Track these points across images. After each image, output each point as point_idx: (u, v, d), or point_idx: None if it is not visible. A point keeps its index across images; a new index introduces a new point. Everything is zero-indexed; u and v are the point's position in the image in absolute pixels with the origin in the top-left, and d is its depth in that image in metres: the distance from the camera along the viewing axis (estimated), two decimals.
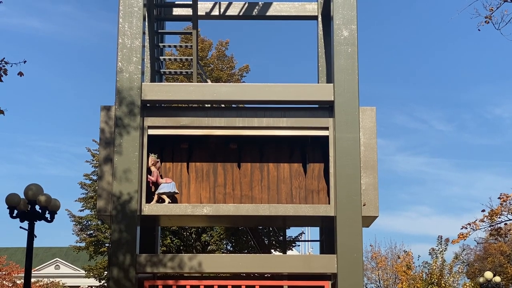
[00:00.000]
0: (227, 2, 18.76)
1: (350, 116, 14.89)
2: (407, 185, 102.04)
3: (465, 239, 24.42)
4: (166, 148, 15.81)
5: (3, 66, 12.84)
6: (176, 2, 18.46)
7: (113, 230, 14.47)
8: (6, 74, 12.87)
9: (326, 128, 15.18)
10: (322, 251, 17.59)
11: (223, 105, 16.49)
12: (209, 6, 18.83)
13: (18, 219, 14.94)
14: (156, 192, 15.20)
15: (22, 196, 14.92)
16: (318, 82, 17.97)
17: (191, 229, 31.40)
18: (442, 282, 35.33)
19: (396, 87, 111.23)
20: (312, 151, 15.91)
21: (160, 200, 15.20)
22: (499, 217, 24.34)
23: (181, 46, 20.42)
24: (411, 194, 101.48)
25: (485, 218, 24.21)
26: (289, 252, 34.18)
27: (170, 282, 14.94)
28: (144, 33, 15.51)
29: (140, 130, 14.86)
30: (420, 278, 36.80)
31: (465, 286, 38.40)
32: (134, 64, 14.98)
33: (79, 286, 68.11)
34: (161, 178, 15.36)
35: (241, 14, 18.77)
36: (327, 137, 15.18)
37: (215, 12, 18.80)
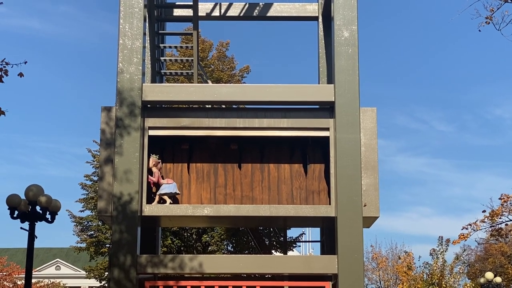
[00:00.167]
0: (228, 3, 18.77)
1: (351, 116, 14.89)
2: (408, 186, 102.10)
3: (465, 240, 24.47)
4: (166, 149, 15.81)
5: (4, 67, 12.85)
6: (177, 3, 18.47)
7: (113, 231, 14.47)
8: (6, 75, 12.89)
9: (327, 129, 15.18)
10: (322, 252, 17.59)
11: (223, 106, 16.49)
12: (209, 6, 18.83)
13: (18, 220, 14.95)
14: (158, 193, 15.19)
15: (22, 197, 14.93)
16: (319, 83, 17.97)
17: (192, 230, 31.41)
18: (443, 282, 35.33)
19: (397, 88, 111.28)
20: (313, 151, 15.90)
21: (162, 201, 15.19)
22: (500, 218, 24.36)
23: (181, 47, 20.39)
24: (412, 194, 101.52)
25: (486, 218, 24.23)
26: (289, 253, 34.16)
27: (171, 282, 14.94)
28: (144, 34, 15.51)
29: (141, 131, 14.86)
30: (420, 278, 36.79)
31: (466, 287, 38.37)
32: (135, 65, 14.98)
33: (80, 286, 68.18)
34: (163, 179, 15.35)
35: (241, 15, 18.77)
36: (327, 137, 15.18)
37: (216, 13, 18.80)
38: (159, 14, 17.95)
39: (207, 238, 31.16)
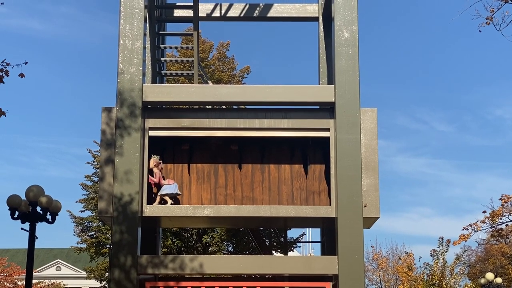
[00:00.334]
0: (228, 4, 18.78)
1: (351, 117, 14.89)
2: (408, 186, 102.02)
3: (466, 240, 24.46)
4: (167, 150, 15.82)
5: (4, 67, 12.84)
6: (177, 4, 18.48)
7: (114, 232, 14.47)
8: (7, 75, 12.88)
9: (327, 129, 15.18)
10: (323, 252, 17.59)
11: (224, 107, 16.49)
12: (210, 7, 18.84)
13: (19, 220, 14.96)
14: (159, 194, 15.20)
15: (23, 197, 14.94)
16: (319, 83, 17.97)
17: (192, 230, 31.41)
18: (444, 283, 35.31)
19: (397, 88, 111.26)
20: (313, 152, 15.91)
21: (163, 202, 15.20)
22: (501, 218, 24.36)
23: (182, 48, 20.41)
24: (412, 195, 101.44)
25: (486, 219, 24.23)
26: (290, 253, 34.16)
27: (171, 283, 14.94)
28: (145, 34, 15.51)
29: (141, 132, 14.87)
30: (421, 279, 36.79)
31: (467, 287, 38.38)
32: (135, 65, 14.99)
33: (80, 287, 68.12)
34: (164, 179, 15.36)
35: (242, 15, 18.78)
36: (328, 138, 15.18)
37: (216, 13, 18.81)
38: (159, 14, 17.96)
39: (208, 239, 31.16)
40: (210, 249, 31.30)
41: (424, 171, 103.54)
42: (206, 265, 14.71)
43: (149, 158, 15.14)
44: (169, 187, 15.17)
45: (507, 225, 24.97)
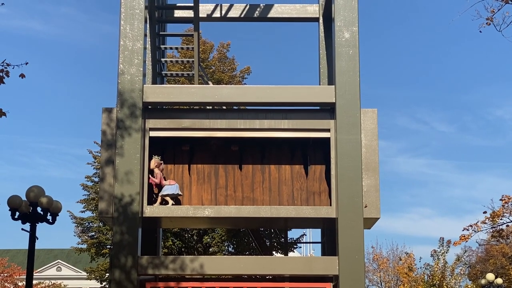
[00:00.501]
0: (228, 4, 18.78)
1: (352, 118, 14.90)
2: (409, 187, 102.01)
3: (466, 241, 24.42)
4: (167, 150, 15.82)
5: (5, 68, 12.83)
6: (178, 4, 18.48)
7: (114, 232, 14.47)
8: (8, 76, 12.87)
9: (328, 130, 15.19)
10: (323, 253, 17.59)
11: (224, 107, 16.49)
12: (210, 8, 18.85)
13: (19, 221, 14.97)
14: (160, 194, 15.20)
15: (23, 198, 14.95)
16: (320, 84, 17.97)
17: (193, 231, 31.41)
18: (444, 284, 35.29)
19: (398, 89, 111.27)
20: (314, 153, 15.91)
21: (164, 202, 15.20)
22: (501, 219, 24.32)
23: (182, 48, 20.40)
24: (413, 195, 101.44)
25: (487, 219, 24.20)
26: (290, 254, 34.17)
27: (172, 284, 14.95)
28: (145, 35, 15.52)
29: (142, 132, 14.87)
30: (421, 280, 36.77)
31: None
32: (136, 66, 14.99)
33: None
34: (165, 180, 15.36)
35: (242, 16, 18.78)
36: (328, 139, 15.18)
37: (217, 14, 18.81)
38: (160, 15, 17.96)
39: (208, 239, 31.16)
40: (210, 249, 31.31)
41: (424, 172, 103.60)
42: (206, 265, 14.71)
43: (150, 158, 15.14)
44: (170, 187, 15.17)
45: (507, 225, 24.94)
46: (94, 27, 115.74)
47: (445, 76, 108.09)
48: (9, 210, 14.85)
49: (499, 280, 29.34)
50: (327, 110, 15.43)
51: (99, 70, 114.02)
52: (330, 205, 15.12)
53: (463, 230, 24.08)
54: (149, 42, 17.06)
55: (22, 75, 13.05)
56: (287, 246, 25.73)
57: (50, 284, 56.66)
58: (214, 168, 15.77)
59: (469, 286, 38.80)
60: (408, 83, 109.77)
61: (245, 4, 18.72)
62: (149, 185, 15.15)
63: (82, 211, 33.13)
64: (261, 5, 18.65)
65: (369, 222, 15.42)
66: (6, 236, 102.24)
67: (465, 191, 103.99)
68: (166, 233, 29.70)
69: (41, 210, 15.02)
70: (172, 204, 15.13)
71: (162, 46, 18.30)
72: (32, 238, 15.03)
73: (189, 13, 17.99)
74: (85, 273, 42.55)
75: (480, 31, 14.40)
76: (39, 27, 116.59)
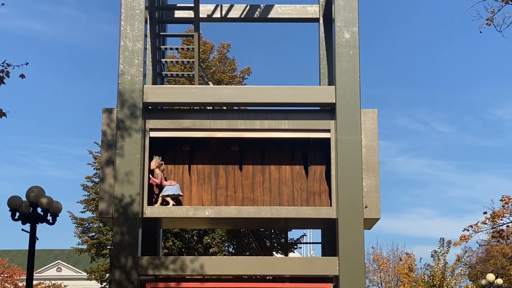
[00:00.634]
0: (229, 5, 18.79)
1: (352, 118, 14.90)
2: (409, 187, 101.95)
3: (467, 241, 24.38)
4: (167, 151, 15.82)
5: (5, 68, 12.83)
6: (178, 5, 18.49)
7: (115, 233, 14.48)
8: (8, 76, 12.87)
9: (328, 130, 15.19)
10: (323, 253, 17.59)
11: (224, 108, 16.49)
12: (210, 8, 18.85)
13: (20, 221, 14.97)
14: (161, 195, 15.20)
15: (24, 198, 14.95)
16: (320, 84, 17.98)
17: (193, 232, 31.41)
18: (444, 284, 35.30)
19: (398, 89, 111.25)
20: (314, 153, 15.91)
21: (164, 203, 15.20)
22: (501, 219, 24.31)
23: (182, 49, 20.42)
24: (413, 196, 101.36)
25: (487, 220, 24.19)
26: (290, 254, 34.17)
27: (172, 284, 14.94)
28: (146, 35, 15.53)
29: (142, 133, 14.87)
30: (422, 280, 36.77)
31: None
32: (136, 66, 15.00)
33: None
34: (165, 180, 15.36)
35: (242, 16, 18.79)
36: (328, 139, 15.18)
37: (217, 14, 18.82)
38: (160, 16, 17.97)
39: (208, 240, 31.16)
40: (210, 250, 31.31)
41: (424, 172, 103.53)
42: (206, 266, 14.71)
43: (150, 159, 15.14)
44: (171, 188, 15.18)
45: (508, 226, 24.93)
46: (94, 28, 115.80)
47: (445, 76, 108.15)
48: (9, 210, 14.85)
49: (500, 281, 29.32)
50: (327, 110, 15.44)
51: (99, 70, 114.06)
52: (330, 205, 15.12)
53: (463, 230, 24.07)
54: (150, 43, 17.06)
55: (22, 76, 13.05)
56: (287, 247, 25.74)
57: (50, 284, 56.66)
58: (215, 168, 15.77)
59: (470, 287, 38.83)
60: (408, 83, 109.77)
61: (245, 5, 18.73)
62: (149, 186, 15.16)
63: (82, 212, 33.15)
64: (262, 5, 18.66)
65: (370, 223, 15.41)
66: (6, 237, 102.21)
67: (465, 191, 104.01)
68: (166, 234, 29.70)
69: (41, 211, 15.01)
70: (173, 205, 15.13)
71: (162, 47, 18.30)
72: (32, 239, 15.03)
73: (190, 14, 17.99)
74: (85, 274, 42.55)
75: (480, 32, 14.40)
76: (39, 27, 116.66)
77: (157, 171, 15.18)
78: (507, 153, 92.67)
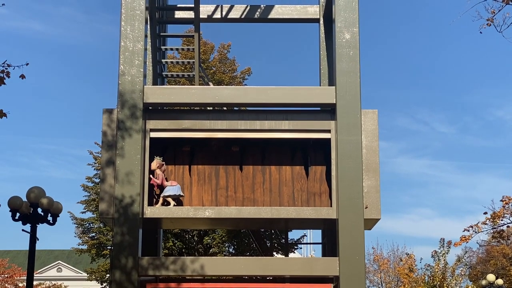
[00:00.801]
0: (229, 5, 18.79)
1: (352, 118, 14.90)
2: (409, 188, 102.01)
3: (467, 242, 24.38)
4: (168, 151, 15.83)
5: (6, 68, 12.83)
6: (178, 5, 18.50)
7: (115, 233, 14.48)
8: (8, 77, 12.87)
9: (328, 131, 15.19)
10: (324, 254, 17.59)
11: (225, 108, 16.50)
12: (211, 9, 18.86)
13: (20, 222, 14.96)
14: (162, 195, 15.21)
15: (24, 199, 14.94)
16: (320, 85, 17.98)
17: (193, 232, 31.41)
18: (445, 284, 35.29)
19: (398, 90, 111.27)
20: (314, 153, 15.91)
21: (166, 203, 15.21)
22: (502, 220, 24.32)
23: (183, 49, 20.44)
24: (413, 196, 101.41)
25: (488, 220, 24.18)
26: (291, 255, 34.16)
27: (172, 285, 14.95)
28: (146, 36, 15.53)
29: (142, 133, 14.88)
30: (422, 280, 36.76)
31: None
32: (136, 67, 15.00)
33: None
34: (166, 181, 15.37)
35: (243, 17, 18.79)
36: (329, 139, 15.18)
37: (217, 15, 18.82)
38: (160, 16, 17.97)
39: (209, 240, 31.16)
40: (211, 250, 31.31)
41: (425, 172, 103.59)
42: (207, 266, 14.72)
43: (150, 159, 15.14)
44: (172, 188, 15.18)
45: (508, 226, 24.94)
46: (94, 28, 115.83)
47: (446, 77, 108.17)
48: (10, 211, 14.85)
49: (500, 281, 29.29)
50: (327, 111, 15.44)
51: (99, 71, 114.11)
52: (331, 206, 15.12)
53: (464, 231, 24.07)
54: (150, 43, 17.07)
55: (22, 76, 13.06)
56: (287, 247, 25.75)
57: (51, 285, 56.67)
58: (215, 169, 15.78)
59: (470, 287, 38.79)
60: (408, 84, 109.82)
61: (245, 5, 18.73)
62: (150, 186, 15.16)
63: (82, 212, 33.17)
64: (262, 6, 18.66)
65: (370, 223, 15.41)
66: (6, 237, 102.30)
67: (466, 191, 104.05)
68: (166, 234, 29.71)
69: (41, 211, 15.01)
70: (174, 205, 15.14)
71: (162, 47, 18.31)
72: (33, 239, 15.03)
73: (190, 14, 18.00)
74: (85, 274, 42.55)
75: (481, 32, 14.40)
76: (39, 27, 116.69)
77: (158, 171, 15.19)
78: (507, 154, 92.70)
